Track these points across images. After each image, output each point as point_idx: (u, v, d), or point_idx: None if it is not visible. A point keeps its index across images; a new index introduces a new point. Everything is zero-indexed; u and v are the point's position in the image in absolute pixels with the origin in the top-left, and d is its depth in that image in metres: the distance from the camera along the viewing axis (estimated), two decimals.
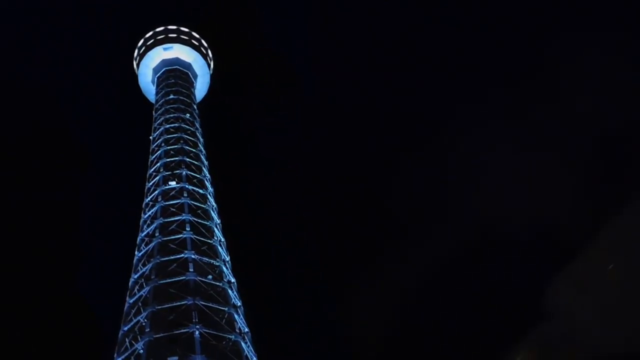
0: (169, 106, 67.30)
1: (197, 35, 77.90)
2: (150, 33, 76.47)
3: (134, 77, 78.30)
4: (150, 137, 63.70)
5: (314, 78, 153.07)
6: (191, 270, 41.99)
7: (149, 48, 75.72)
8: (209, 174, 57.89)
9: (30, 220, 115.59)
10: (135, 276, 44.71)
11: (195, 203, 50.37)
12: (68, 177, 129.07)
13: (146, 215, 50.44)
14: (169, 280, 40.96)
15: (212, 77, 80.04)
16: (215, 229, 49.30)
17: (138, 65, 76.29)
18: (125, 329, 40.41)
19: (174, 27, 76.91)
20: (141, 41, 77.28)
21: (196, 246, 44.88)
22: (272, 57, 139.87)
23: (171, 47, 75.40)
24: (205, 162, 59.31)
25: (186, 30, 77.10)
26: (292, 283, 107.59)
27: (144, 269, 44.14)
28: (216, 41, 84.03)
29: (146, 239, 47.89)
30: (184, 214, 47.95)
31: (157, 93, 72.26)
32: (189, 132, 62.70)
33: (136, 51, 77.58)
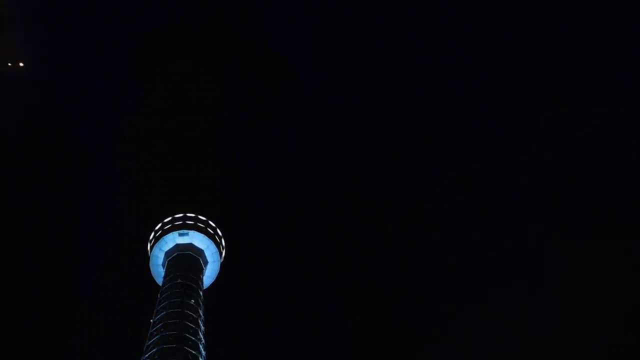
0: (175, 290, 67.37)
1: (213, 224, 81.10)
2: (169, 219, 79.83)
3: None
4: (151, 320, 62.87)
5: (314, 78, 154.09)
6: None
7: (165, 232, 78.39)
8: None
9: (30, 220, 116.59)
10: None
11: None
12: (68, 177, 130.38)
13: None
14: None
15: (222, 264, 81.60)
16: None
17: (152, 248, 78.38)
18: None
19: (192, 214, 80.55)
20: (159, 225, 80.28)
21: None
22: (272, 57, 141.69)
23: (187, 234, 78.18)
24: (203, 352, 57.62)
25: (203, 218, 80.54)
26: None
27: None
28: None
29: None
30: None
31: (166, 275, 72.91)
32: (191, 318, 61.89)
33: (152, 234, 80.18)
